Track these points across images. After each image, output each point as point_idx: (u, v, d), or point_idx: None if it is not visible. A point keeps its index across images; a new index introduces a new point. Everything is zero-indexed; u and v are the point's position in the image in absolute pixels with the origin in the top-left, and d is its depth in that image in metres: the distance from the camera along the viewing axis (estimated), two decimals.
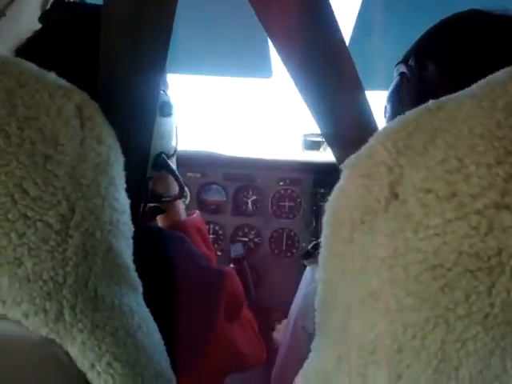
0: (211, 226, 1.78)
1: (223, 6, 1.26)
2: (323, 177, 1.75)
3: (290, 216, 1.77)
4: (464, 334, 0.36)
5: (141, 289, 0.57)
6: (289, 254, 1.76)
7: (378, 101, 0.74)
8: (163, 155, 0.86)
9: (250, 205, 1.78)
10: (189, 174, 1.73)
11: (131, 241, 0.57)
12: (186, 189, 1.08)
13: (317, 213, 1.76)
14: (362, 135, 0.58)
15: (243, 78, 1.51)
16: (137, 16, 0.56)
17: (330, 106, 0.60)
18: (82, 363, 0.48)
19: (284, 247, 1.76)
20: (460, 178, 0.36)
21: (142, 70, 0.60)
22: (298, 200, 1.77)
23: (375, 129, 0.60)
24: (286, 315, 1.71)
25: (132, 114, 0.63)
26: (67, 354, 0.48)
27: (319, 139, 1.77)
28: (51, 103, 0.49)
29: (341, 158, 0.62)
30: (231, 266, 1.60)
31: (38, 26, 0.93)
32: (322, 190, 1.76)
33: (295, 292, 1.69)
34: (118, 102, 0.61)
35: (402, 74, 0.71)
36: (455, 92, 0.41)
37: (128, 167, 0.66)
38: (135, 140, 0.66)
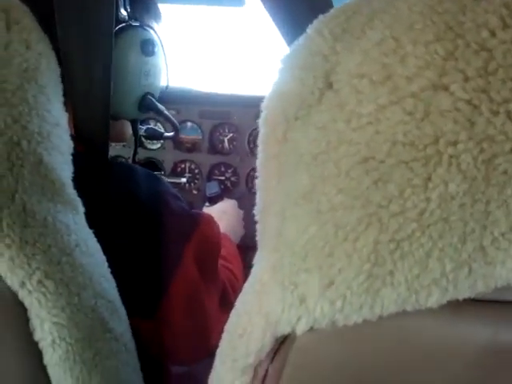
0: (187, 165, 1.74)
1: None
2: None
3: None
4: (398, 233, 0.33)
5: (82, 209, 0.54)
6: None
7: None
8: (149, 96, 0.84)
9: (226, 143, 1.73)
10: None
11: (69, 157, 0.54)
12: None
13: None
14: None
15: (215, 8, 1.44)
16: None
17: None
18: (12, 281, 0.45)
19: None
20: (396, 59, 0.32)
21: None
22: None
23: None
24: None
25: (90, 32, 0.61)
26: None
27: None
28: None
29: None
30: (207, 204, 1.58)
31: None
32: None
33: None
34: (75, 21, 0.58)
35: None
36: None
37: (90, 100, 0.63)
38: (94, 69, 0.63)
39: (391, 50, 0.32)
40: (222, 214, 1.42)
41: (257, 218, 0.45)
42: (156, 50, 0.84)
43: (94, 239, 0.56)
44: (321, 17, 0.38)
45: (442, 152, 0.31)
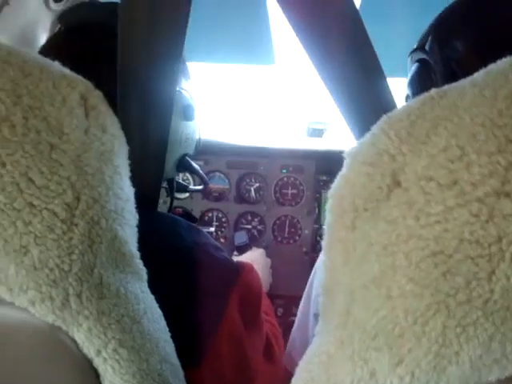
0: (214, 214, 1.79)
1: None
2: (325, 164, 1.76)
3: (293, 203, 1.77)
4: (464, 319, 0.36)
5: (146, 276, 0.58)
6: (291, 242, 1.77)
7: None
8: (186, 157, 0.89)
9: (252, 192, 1.79)
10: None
11: (135, 229, 0.57)
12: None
13: (319, 200, 1.77)
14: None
15: (245, 65, 1.52)
16: (154, 5, 0.57)
17: (351, 90, 0.60)
18: (89, 349, 0.49)
19: (287, 234, 1.77)
20: (461, 166, 0.36)
21: (159, 57, 0.61)
22: (301, 187, 1.77)
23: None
24: (289, 302, 1.75)
25: (150, 103, 0.65)
26: (73, 340, 0.49)
27: (322, 127, 1.77)
28: (56, 93, 0.49)
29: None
30: (235, 253, 1.61)
31: (42, 14, 0.94)
32: (324, 178, 1.77)
33: (298, 278, 1.71)
34: (136, 93, 0.62)
35: (421, 61, 0.70)
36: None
37: (147, 157, 0.68)
38: (153, 132, 0.68)
39: (457, 157, 0.36)
40: (251, 263, 1.45)
41: (320, 292, 0.49)
42: (194, 115, 0.88)
43: (157, 305, 0.59)
44: (385, 117, 0.43)
45: (505, 250, 0.35)
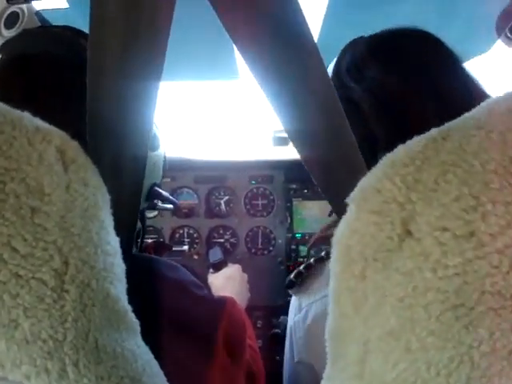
0: (185, 230, 1.76)
1: (184, 11, 1.23)
2: (294, 172, 1.76)
3: (264, 214, 1.77)
4: (489, 370, 0.36)
5: (139, 328, 0.56)
6: (266, 252, 1.76)
7: None
8: (155, 187, 0.86)
9: (223, 206, 1.77)
10: None
11: (125, 281, 0.55)
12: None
13: (290, 209, 1.77)
14: (332, 135, 0.56)
15: (209, 81, 1.50)
16: (128, 26, 0.52)
17: (295, 101, 0.57)
18: None
19: (260, 245, 1.76)
20: (477, 216, 0.35)
21: (135, 81, 0.55)
22: (271, 197, 1.77)
23: (346, 130, 0.57)
24: (267, 313, 1.74)
25: (124, 142, 0.60)
26: None
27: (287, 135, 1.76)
28: (31, 150, 0.45)
29: (307, 156, 0.57)
30: (211, 271, 1.59)
31: None
32: (294, 186, 1.77)
33: (275, 289, 1.71)
34: (109, 130, 0.58)
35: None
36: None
37: (122, 199, 0.63)
38: (129, 167, 0.63)
39: (471, 207, 0.36)
40: (228, 280, 1.43)
41: (327, 337, 0.47)
42: (159, 144, 0.86)
43: (153, 357, 0.57)
44: (387, 160, 0.42)
45: None
